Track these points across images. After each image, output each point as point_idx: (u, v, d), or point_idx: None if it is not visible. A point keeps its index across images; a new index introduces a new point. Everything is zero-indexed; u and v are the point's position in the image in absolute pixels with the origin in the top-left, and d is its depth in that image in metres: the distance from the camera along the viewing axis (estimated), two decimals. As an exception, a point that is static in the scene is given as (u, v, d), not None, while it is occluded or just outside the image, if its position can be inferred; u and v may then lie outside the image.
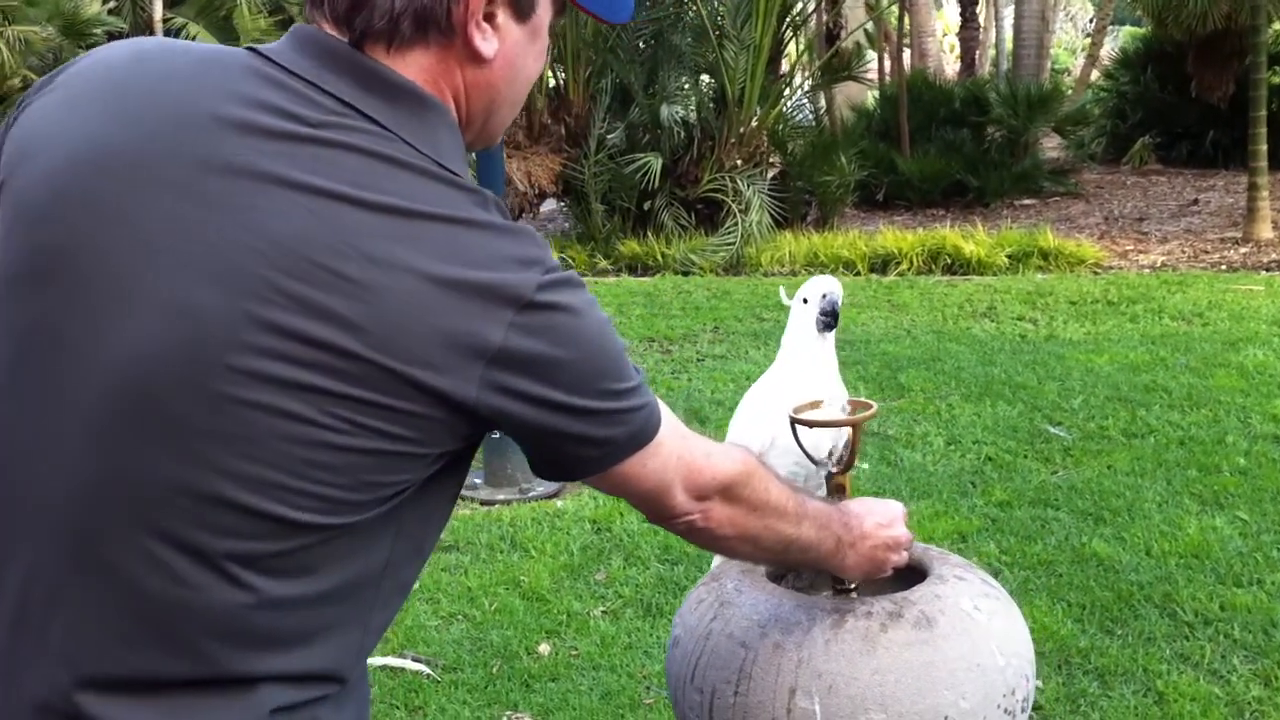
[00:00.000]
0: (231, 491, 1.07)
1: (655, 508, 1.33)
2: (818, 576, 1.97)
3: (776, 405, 1.97)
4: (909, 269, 9.97)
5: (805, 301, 2.14)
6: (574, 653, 3.68)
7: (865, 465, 5.19)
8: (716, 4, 11.60)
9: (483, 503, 5.05)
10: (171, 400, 1.06)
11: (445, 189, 1.12)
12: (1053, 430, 5.61)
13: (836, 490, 1.87)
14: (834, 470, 1.87)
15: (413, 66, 1.17)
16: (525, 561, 4.37)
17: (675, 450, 1.29)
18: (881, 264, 10.14)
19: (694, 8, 11.68)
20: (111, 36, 16.76)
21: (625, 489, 1.28)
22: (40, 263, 1.11)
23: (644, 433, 1.24)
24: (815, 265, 10.28)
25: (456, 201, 1.12)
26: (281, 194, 1.08)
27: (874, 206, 13.66)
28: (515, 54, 1.23)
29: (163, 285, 1.07)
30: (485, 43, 1.19)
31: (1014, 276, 9.59)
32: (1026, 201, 13.52)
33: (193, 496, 1.07)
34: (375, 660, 3.66)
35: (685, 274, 10.40)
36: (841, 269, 10.12)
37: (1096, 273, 9.67)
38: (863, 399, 1.94)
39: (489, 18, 1.18)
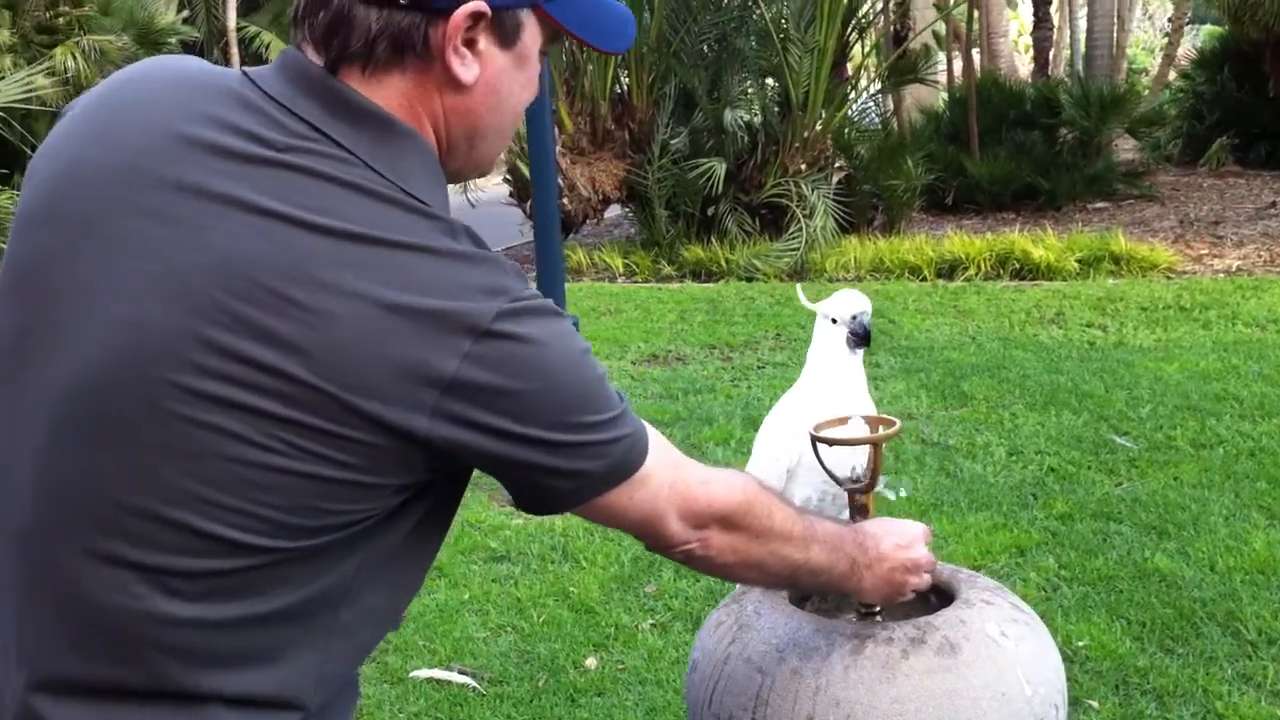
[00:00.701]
0: (173, 509, 1.07)
1: (650, 537, 1.31)
2: (842, 599, 1.91)
3: (803, 422, 1.92)
4: (976, 274, 9.81)
5: (834, 321, 2.07)
6: (621, 667, 3.65)
7: (902, 486, 5.11)
8: (780, 7, 11.50)
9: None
10: (117, 412, 1.08)
11: (407, 216, 1.11)
12: (1118, 440, 5.48)
13: (859, 510, 1.82)
14: (855, 489, 1.81)
15: (389, 90, 1.16)
16: (576, 572, 4.34)
17: (666, 480, 1.27)
18: (948, 269, 9.99)
19: (758, 10, 11.60)
20: (185, 45, 17.02)
21: (613, 520, 1.25)
22: (17, 274, 1.16)
23: (625, 465, 1.21)
24: (881, 271, 10.16)
25: (418, 229, 1.11)
26: (238, 216, 1.08)
27: (942, 210, 13.47)
28: (499, 81, 1.21)
29: (119, 299, 1.09)
30: (465, 68, 1.17)
31: (1084, 282, 9.41)
32: (1099, 205, 13.28)
33: (137, 510, 1.08)
34: (422, 673, 3.65)
35: (749, 280, 10.33)
36: (907, 274, 10.00)
37: (1169, 278, 9.46)
38: (886, 416, 1.89)
39: (470, 43, 1.17)
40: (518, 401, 1.11)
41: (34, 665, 1.11)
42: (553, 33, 1.25)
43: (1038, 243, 10.06)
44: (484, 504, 5.13)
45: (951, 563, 4.13)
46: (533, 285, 1.17)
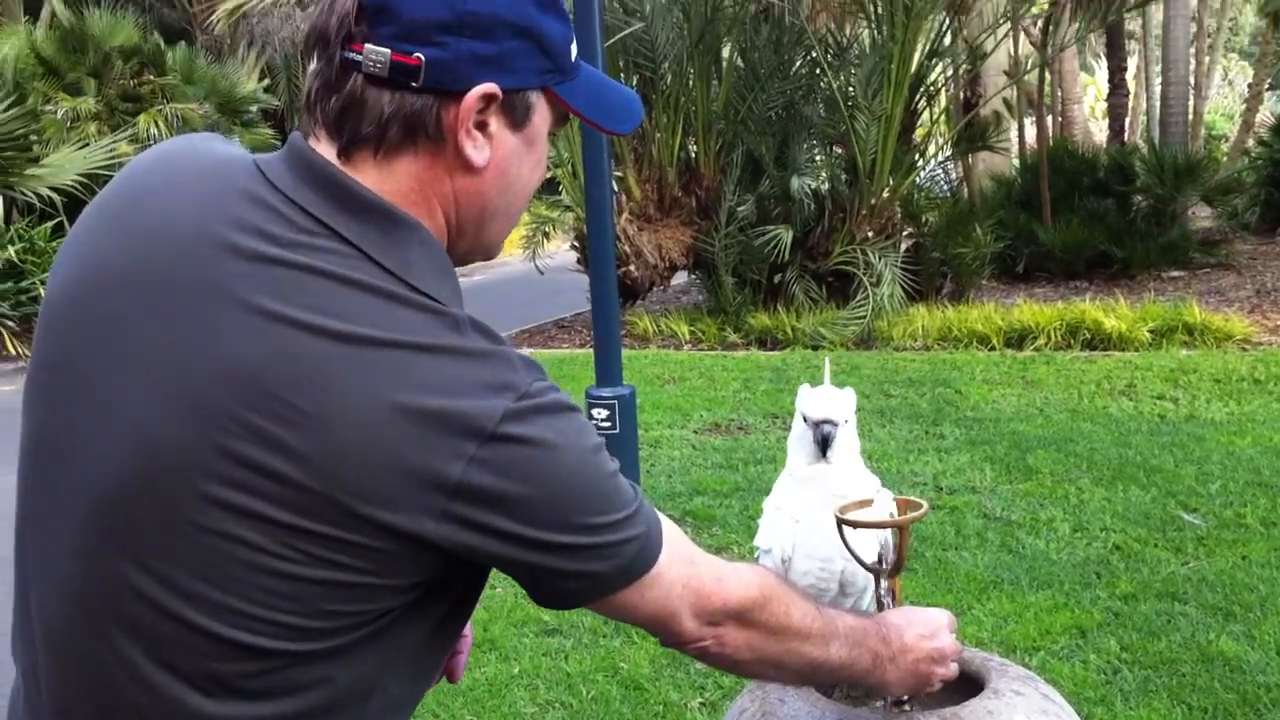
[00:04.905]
0: (195, 615, 1.08)
1: (662, 634, 1.29)
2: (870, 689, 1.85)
3: (789, 513, 1.88)
4: (1046, 344, 9.67)
5: (804, 420, 2.00)
6: (666, 745, 3.58)
7: (1199, 517, 5.00)
8: (848, 75, 11.51)
9: (587, 583, 4.99)
10: (138, 521, 1.09)
11: (409, 312, 1.10)
12: (1186, 517, 5.33)
13: (887, 594, 1.76)
14: (882, 572, 1.76)
15: (400, 174, 1.16)
16: (627, 647, 4.28)
17: (679, 577, 1.25)
18: (1018, 338, 9.86)
19: (825, 79, 11.63)
20: (265, 114, 17.39)
21: (626, 617, 1.24)
22: (44, 370, 1.19)
23: (636, 565, 1.20)
24: (948, 339, 10.06)
25: (420, 325, 1.10)
26: (245, 319, 1.08)
27: (1013, 278, 13.33)
28: (509, 163, 1.21)
29: (136, 406, 1.10)
30: (476, 151, 1.17)
31: (1156, 352, 9.23)
32: (1174, 273, 13.07)
33: (161, 614, 1.09)
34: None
35: (815, 348, 10.26)
36: (975, 343, 9.88)
37: (1245, 349, 9.26)
38: (913, 498, 1.84)
39: (481, 125, 1.17)
40: (525, 506, 1.10)
41: None
42: (561, 114, 1.24)
43: (1109, 312, 9.91)
44: (536, 573, 5.10)
45: (1010, 643, 4.04)
46: (544, 378, 1.15)
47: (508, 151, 1.20)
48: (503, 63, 1.15)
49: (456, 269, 1.23)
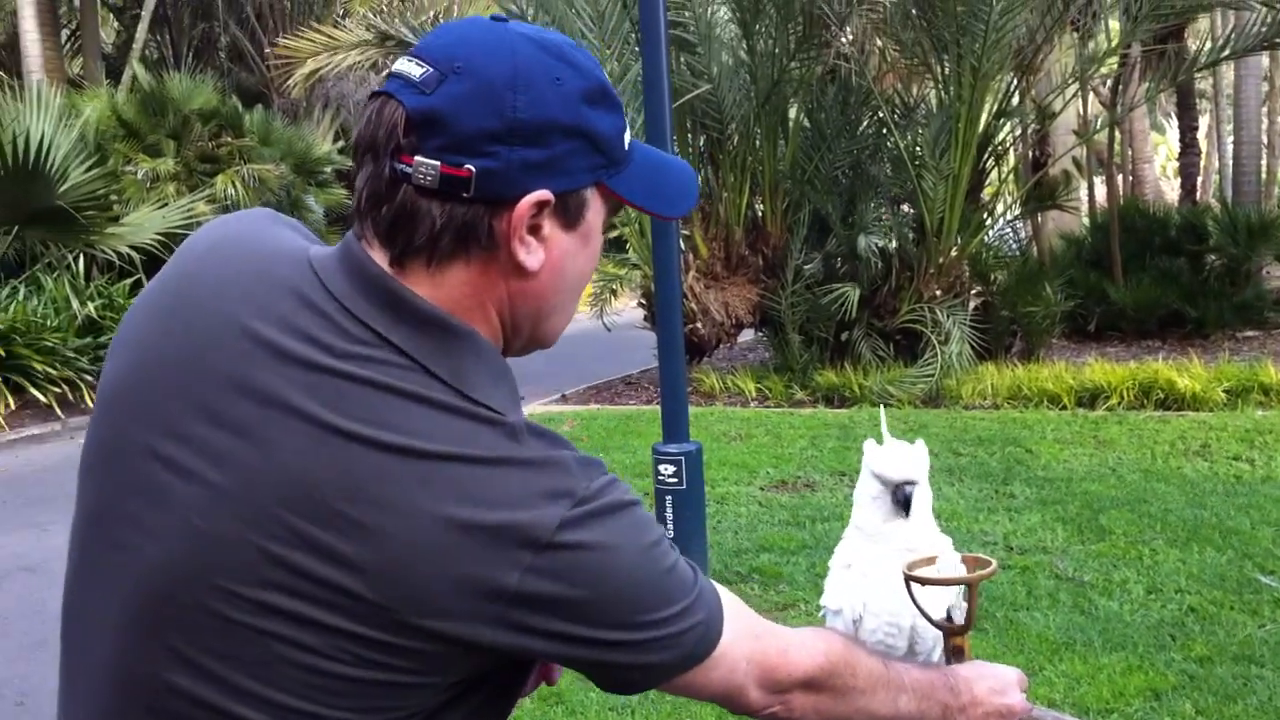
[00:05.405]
0: (242, 709, 1.09)
1: (730, 706, 1.30)
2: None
3: (859, 569, 1.87)
4: (1119, 404, 9.56)
5: (879, 480, 1.96)
6: (731, 803, 3.56)
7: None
8: (915, 135, 11.53)
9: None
10: (185, 618, 1.10)
11: (466, 424, 1.11)
12: (1264, 580, 5.23)
13: (955, 652, 1.75)
14: (951, 630, 1.76)
15: (454, 282, 1.15)
16: (697, 704, 4.27)
17: (744, 654, 1.25)
18: (1089, 398, 9.75)
19: (892, 139, 11.65)
20: (339, 174, 17.69)
21: (692, 695, 1.26)
22: (98, 455, 1.19)
23: (697, 652, 1.20)
24: (1018, 398, 9.97)
25: (476, 437, 1.10)
26: (298, 426, 1.09)
27: (1084, 337, 13.21)
28: (564, 261, 1.19)
29: (187, 505, 1.11)
30: (530, 256, 1.15)
31: (1231, 413, 9.09)
32: (1249, 333, 12.89)
33: (202, 708, 1.10)
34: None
35: (884, 405, 10.18)
36: (1046, 403, 9.79)
37: (1323, 409, 9.10)
38: (981, 555, 1.83)
39: (534, 229, 1.15)
40: (583, 609, 1.11)
41: None
42: (615, 204, 1.23)
43: (1183, 372, 9.78)
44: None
45: (1083, 705, 3.98)
46: (605, 473, 1.16)
47: (562, 252, 1.18)
48: (555, 166, 1.13)
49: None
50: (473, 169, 1.10)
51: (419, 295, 1.14)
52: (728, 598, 1.26)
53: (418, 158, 1.10)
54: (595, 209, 1.20)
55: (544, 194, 1.13)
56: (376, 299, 1.13)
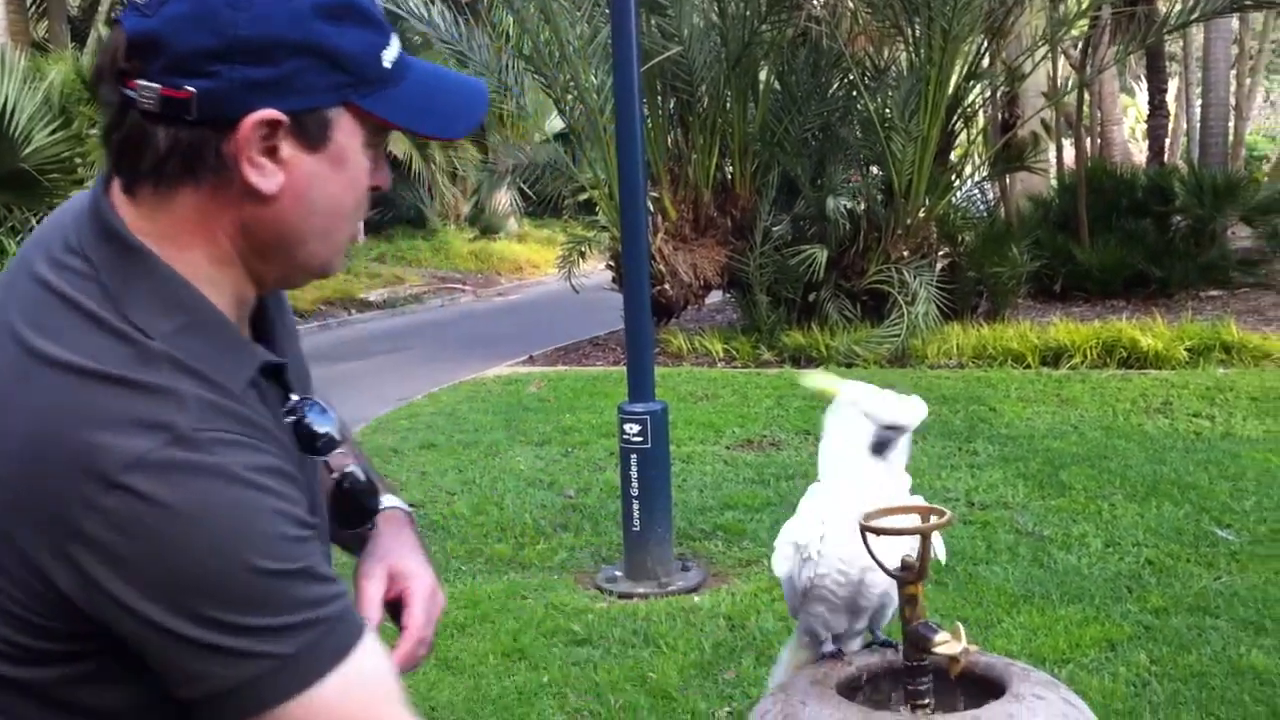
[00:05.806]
0: None
1: None
2: (892, 689, 1.90)
3: (832, 515, 1.91)
4: (1082, 362, 9.66)
5: (866, 416, 1.99)
6: (695, 754, 3.63)
7: (1231, 532, 5.01)
8: (884, 97, 11.55)
9: (620, 595, 5.04)
10: None
11: (103, 338, 1.08)
12: (1219, 533, 5.34)
13: (909, 600, 1.81)
14: (905, 579, 1.81)
15: (181, 206, 1.12)
16: (656, 657, 4.33)
17: (352, 714, 1.11)
18: (1053, 357, 9.85)
19: (861, 101, 11.67)
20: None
21: None
22: None
23: (276, 685, 1.06)
24: (983, 357, 10.06)
25: (103, 352, 1.08)
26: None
27: (1050, 298, 13.31)
28: (308, 186, 1.15)
29: None
30: (264, 179, 1.12)
31: (1193, 371, 9.20)
32: (1212, 293, 13.01)
33: None
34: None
35: (849, 366, 10.27)
36: (1011, 362, 9.88)
37: (1283, 367, 9.23)
38: (937, 506, 1.88)
39: (271, 151, 1.11)
40: (140, 575, 1.03)
41: None
42: (376, 126, 1.18)
43: (1146, 331, 9.89)
44: (570, 587, 5.16)
45: (1039, 656, 4.06)
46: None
47: (306, 175, 1.14)
48: (285, 85, 1.10)
49: (297, 289, 1.23)
50: (193, 90, 1.07)
51: (116, 216, 1.13)
52: (380, 669, 1.14)
53: (140, 81, 1.08)
54: (347, 130, 1.15)
55: (270, 113, 1.10)
56: (93, 224, 1.14)
